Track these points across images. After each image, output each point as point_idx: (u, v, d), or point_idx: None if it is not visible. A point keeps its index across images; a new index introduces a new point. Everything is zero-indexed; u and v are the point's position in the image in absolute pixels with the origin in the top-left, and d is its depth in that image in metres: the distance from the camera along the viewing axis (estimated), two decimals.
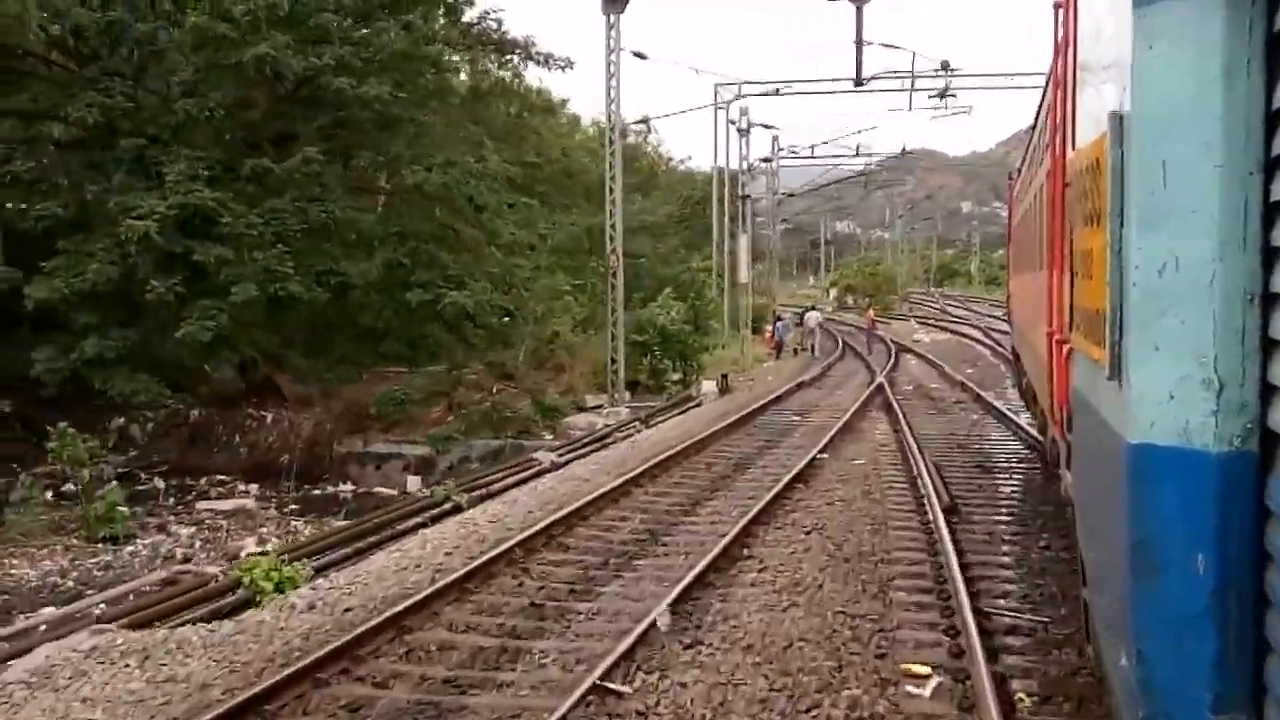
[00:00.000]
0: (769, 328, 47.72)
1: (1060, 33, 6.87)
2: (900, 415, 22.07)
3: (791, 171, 78.75)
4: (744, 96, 40.25)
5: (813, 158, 59.68)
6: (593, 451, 19.97)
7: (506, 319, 27.41)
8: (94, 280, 22.65)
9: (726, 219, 41.75)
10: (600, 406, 28.63)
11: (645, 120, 29.19)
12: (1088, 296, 4.43)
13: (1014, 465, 16.53)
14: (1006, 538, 11.81)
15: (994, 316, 59.85)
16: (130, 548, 20.33)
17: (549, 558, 11.47)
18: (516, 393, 27.07)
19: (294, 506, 25.13)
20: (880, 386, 28.01)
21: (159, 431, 30.20)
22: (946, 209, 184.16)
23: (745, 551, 11.38)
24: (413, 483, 26.20)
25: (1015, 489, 14.65)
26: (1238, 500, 3.09)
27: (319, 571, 12.35)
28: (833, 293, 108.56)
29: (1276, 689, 2.94)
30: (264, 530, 21.93)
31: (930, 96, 30.05)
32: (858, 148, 61.54)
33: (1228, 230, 3.09)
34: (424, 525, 14.26)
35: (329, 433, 27.74)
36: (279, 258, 23.38)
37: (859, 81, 28.73)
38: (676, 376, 32.36)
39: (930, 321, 68.00)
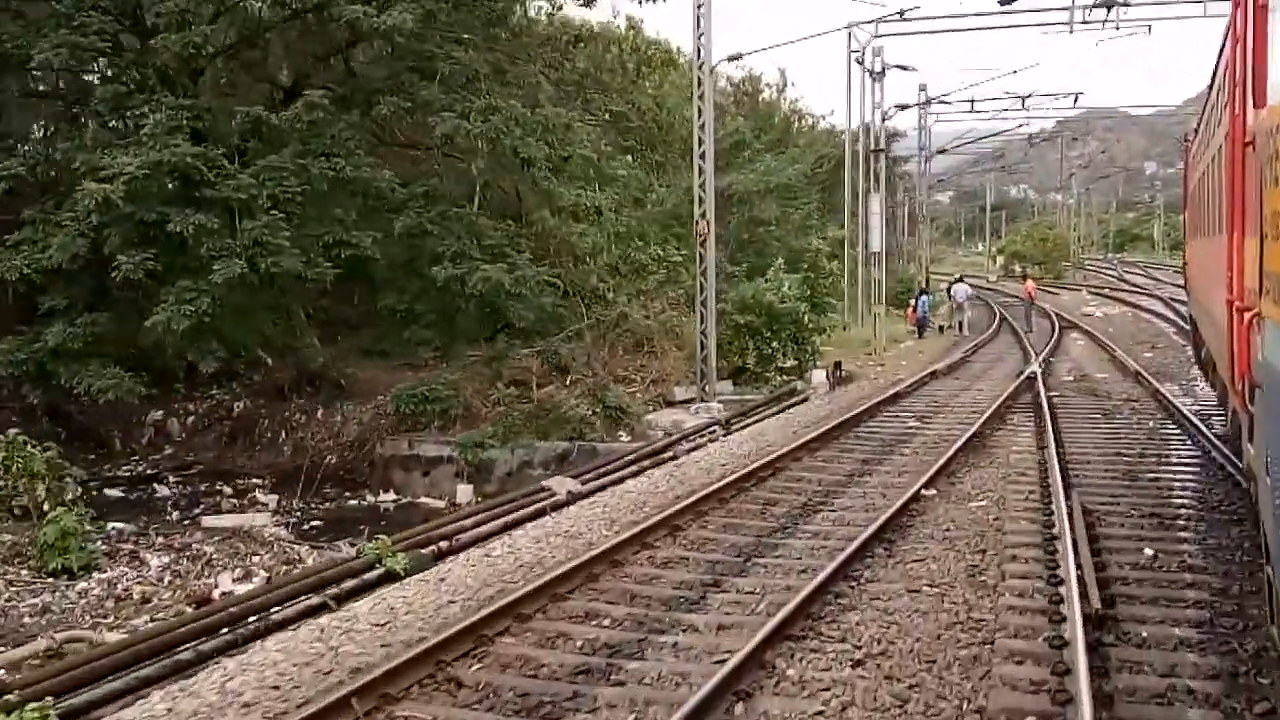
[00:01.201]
0: (913, 303, 42.31)
1: None
2: (1050, 421, 16.97)
3: (947, 127, 72.25)
4: (881, 36, 34.89)
5: (972, 110, 53.67)
6: (634, 474, 15.47)
7: (561, 299, 22.99)
8: (58, 256, 19.21)
9: (870, 180, 36.47)
10: (691, 401, 24.07)
11: (739, 56, 24.40)
12: (1279, 259, 3.91)
13: (1212, 514, 11.36)
14: (1199, 686, 6.89)
15: (1178, 286, 52.72)
16: (85, 583, 16.77)
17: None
18: (570, 388, 22.73)
19: (317, 522, 21.41)
20: (1032, 377, 22.73)
21: (199, 427, 26.99)
22: (1128, 170, 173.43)
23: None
24: (463, 492, 22.21)
25: (1217, 567, 9.58)
26: None
27: None
28: (999, 260, 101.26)
29: None
30: (257, 559, 18.17)
31: (1095, 6, 24.25)
32: (1024, 99, 55.27)
33: None
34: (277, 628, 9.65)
35: (376, 432, 23.93)
36: (271, 226, 19.49)
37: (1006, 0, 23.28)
38: (790, 362, 27.53)
39: (1105, 292, 60.96)
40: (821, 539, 10.77)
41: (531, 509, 13.11)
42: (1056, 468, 13.01)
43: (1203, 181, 14.22)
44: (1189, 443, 15.62)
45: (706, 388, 23.52)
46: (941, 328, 39.65)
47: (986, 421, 17.57)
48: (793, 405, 22.34)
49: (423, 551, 11.50)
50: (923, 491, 12.54)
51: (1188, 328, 29.96)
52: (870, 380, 26.25)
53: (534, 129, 21.75)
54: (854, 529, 10.94)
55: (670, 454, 17.25)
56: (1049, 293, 62.10)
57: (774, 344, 27.04)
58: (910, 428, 17.81)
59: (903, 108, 35.79)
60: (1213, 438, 14.95)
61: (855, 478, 13.88)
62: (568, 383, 23.93)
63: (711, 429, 19.82)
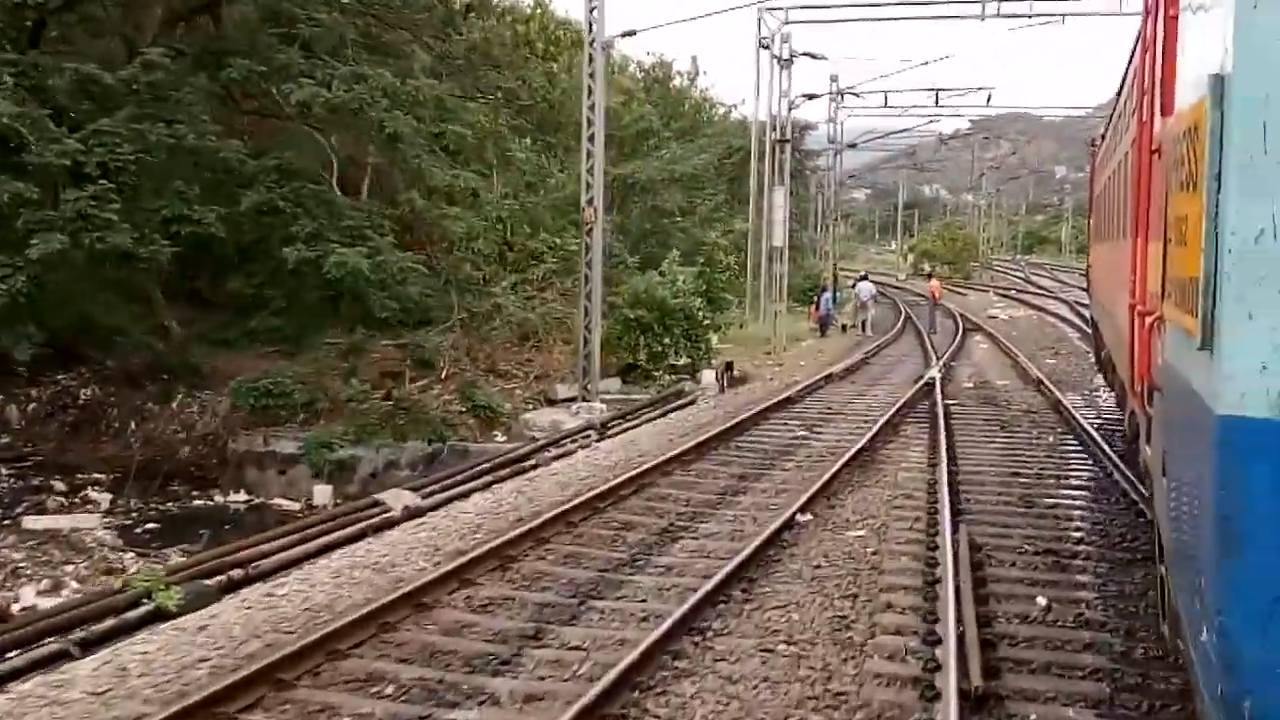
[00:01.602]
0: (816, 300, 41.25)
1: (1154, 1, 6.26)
2: (944, 434, 15.77)
3: (861, 123, 71.50)
4: (791, 23, 33.56)
5: (885, 105, 52.79)
6: (484, 487, 13.85)
7: (431, 288, 21.14)
8: None
9: (774, 172, 35.16)
10: (574, 399, 22.55)
11: (632, 33, 22.86)
12: (1180, 264, 4.17)
13: (1113, 551, 10.12)
14: None
15: (1082, 289, 52.66)
16: None
17: None
18: (440, 384, 21.04)
19: (154, 525, 19.49)
20: (931, 383, 21.61)
21: (40, 414, 24.74)
22: (1039, 173, 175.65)
23: None
24: (321, 493, 20.43)
25: (1118, 623, 8.30)
26: None
27: None
28: (909, 259, 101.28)
29: None
30: (72, 568, 16.27)
31: None
32: (937, 95, 54.58)
33: None
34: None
35: (232, 425, 21.98)
36: (100, 198, 17.41)
37: None
38: (683, 360, 26.13)
39: (1011, 293, 60.73)
40: (675, 575, 9.33)
41: (354, 529, 11.46)
42: (946, 491, 11.75)
43: (1108, 187, 14.38)
44: (1090, 462, 14.49)
45: (589, 386, 22.02)
46: (844, 326, 38.63)
47: (879, 432, 16.32)
48: (678, 408, 20.91)
49: (207, 583, 9.79)
50: (798, 516, 11.17)
51: (1090, 332, 29.32)
52: (764, 382, 24.97)
53: (403, 101, 19.91)
54: (713, 562, 9.52)
55: (532, 462, 15.69)
56: (956, 293, 61.71)
57: (666, 341, 25.62)
58: (797, 437, 16.47)
59: (811, 97, 34.50)
60: (1115, 457, 13.83)
61: (728, 496, 12.47)
62: (441, 378, 22.24)
63: (586, 433, 18.31)
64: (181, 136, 18.33)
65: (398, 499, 12.28)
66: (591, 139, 21.70)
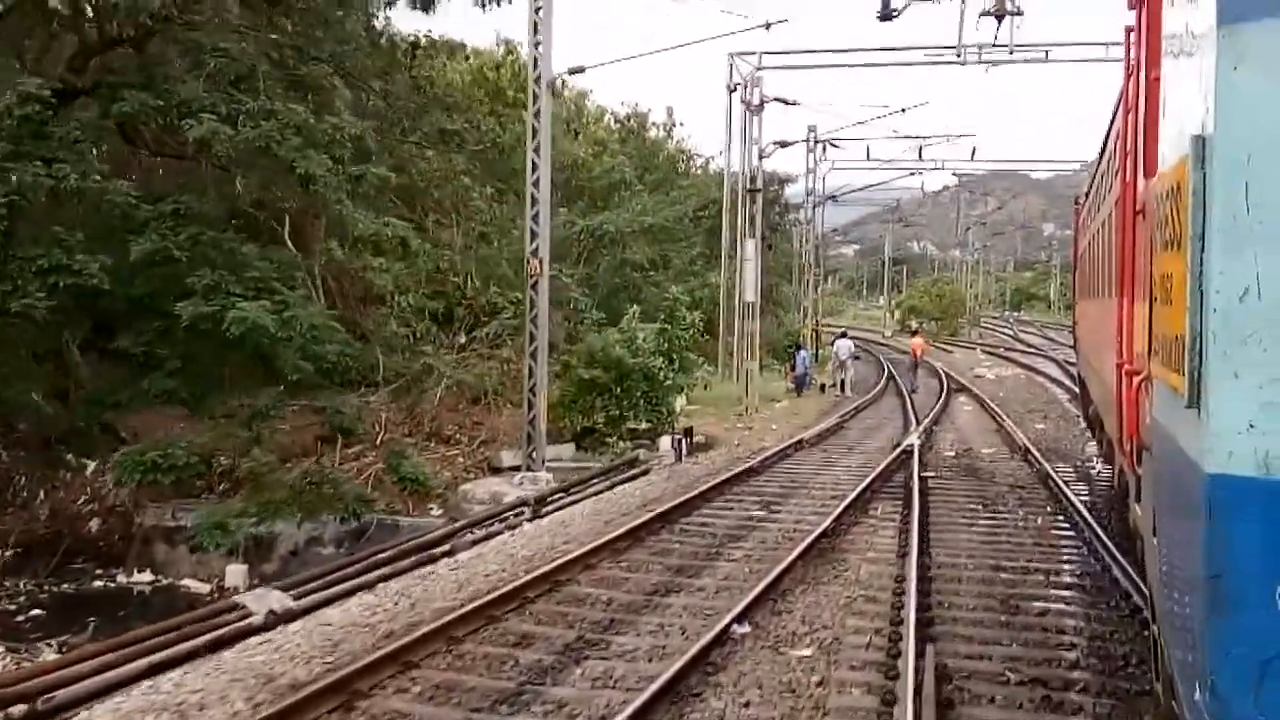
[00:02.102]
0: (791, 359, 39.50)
1: (1132, 55, 6.52)
2: (919, 514, 13.87)
3: (843, 176, 70.32)
4: (764, 69, 31.97)
5: (867, 157, 51.40)
6: (373, 583, 11.81)
7: (345, 348, 19.16)
8: None
9: (745, 222, 33.44)
10: (519, 468, 20.60)
11: (580, 69, 21.08)
12: (1166, 323, 4.23)
13: (1114, 680, 8.19)
14: None
15: (1072, 347, 51.05)
16: None
17: None
18: (361, 453, 19.11)
19: (39, 611, 17.47)
20: (909, 451, 19.75)
21: None
22: (1027, 229, 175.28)
23: None
24: (234, 574, 18.40)
25: None
26: None
27: None
28: (896, 314, 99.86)
29: None
30: None
31: (983, 15, 21.46)
32: (920, 149, 53.28)
33: None
34: None
35: (141, 497, 19.95)
36: None
37: (886, 15, 20.34)
38: (644, 424, 24.23)
39: (999, 351, 59.02)
40: (563, 718, 7.37)
41: (193, 643, 9.46)
42: (914, 596, 9.82)
43: (1092, 245, 14.35)
44: (1083, 551, 12.57)
45: (534, 454, 20.06)
46: (823, 386, 36.79)
47: (845, 511, 14.43)
48: (628, 479, 18.97)
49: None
50: (734, 628, 9.22)
51: (1079, 392, 27.61)
52: (729, 448, 23.07)
53: (319, 141, 18.07)
54: (616, 696, 7.59)
55: (445, 548, 13.68)
56: (942, 350, 60.05)
57: (624, 403, 23.71)
58: (751, 518, 14.53)
59: (783, 145, 32.79)
60: (1112, 547, 11.92)
61: (657, 597, 10.50)
62: (375, 444, 20.29)
63: (519, 510, 16.32)
64: (62, 177, 16.48)
65: (263, 601, 10.32)
66: (536, 184, 19.92)
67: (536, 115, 19.86)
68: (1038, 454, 19.73)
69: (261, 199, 19.46)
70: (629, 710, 7.11)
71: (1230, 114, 3.22)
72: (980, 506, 15.46)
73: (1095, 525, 13.23)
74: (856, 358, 51.06)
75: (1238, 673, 3.16)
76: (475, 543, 13.77)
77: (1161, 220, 4.39)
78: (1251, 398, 3.14)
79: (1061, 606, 10.27)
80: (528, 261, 20.04)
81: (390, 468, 18.66)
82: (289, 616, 10.21)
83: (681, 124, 68.53)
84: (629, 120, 51.44)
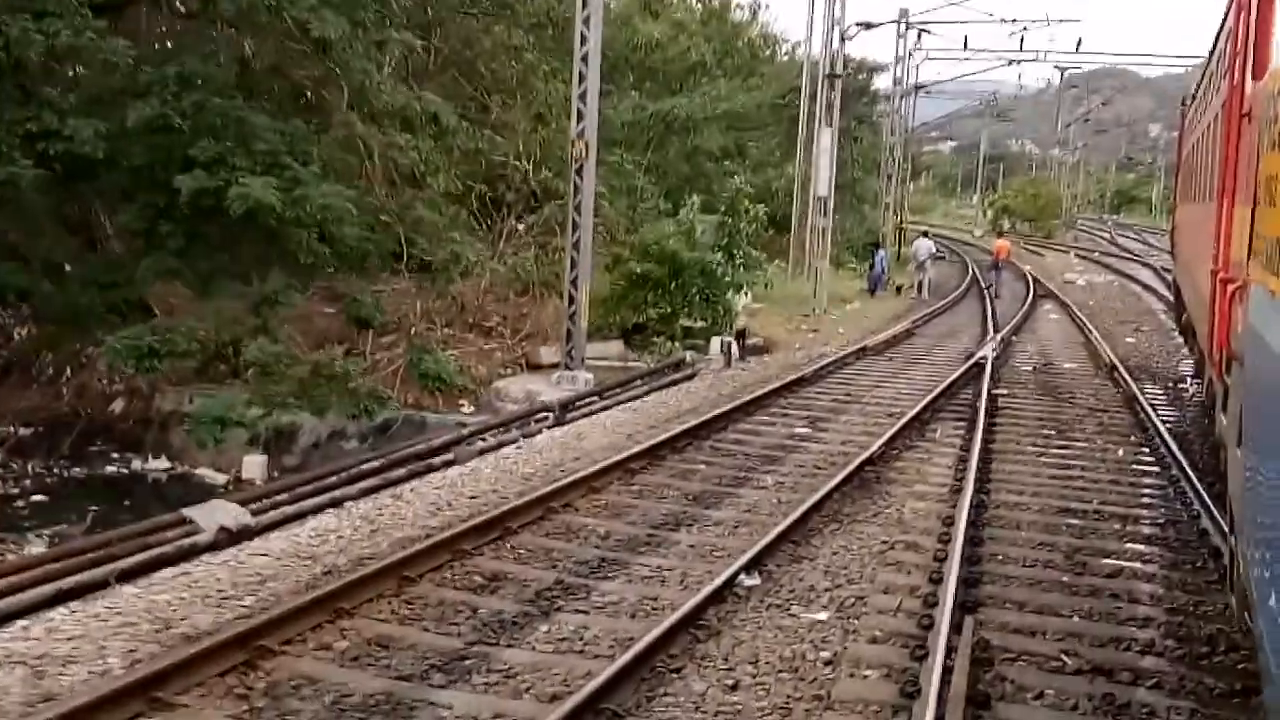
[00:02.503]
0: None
1: None
2: (980, 443, 12.25)
3: (940, 68, 67.28)
4: None
5: (965, 48, 48.40)
6: (342, 500, 10.55)
7: (368, 232, 17.67)
8: None
9: (822, 111, 31.22)
10: (557, 365, 19.29)
11: None
12: (1271, 224, 3.97)
13: (1195, 670, 6.64)
14: None
15: (1171, 253, 48.13)
16: None
17: None
18: (386, 345, 17.89)
19: (41, 496, 16.70)
20: (980, 365, 18.05)
21: None
22: (1132, 129, 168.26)
23: None
24: (252, 465, 17.46)
25: None
26: None
27: None
28: (989, 214, 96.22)
29: None
30: None
31: None
32: (1022, 39, 50.09)
33: None
34: None
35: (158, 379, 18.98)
36: None
37: None
38: (698, 323, 22.69)
39: (1094, 256, 56.04)
40: (507, 694, 6.05)
41: (106, 570, 8.26)
42: (961, 546, 8.30)
43: (1197, 148, 13.90)
44: (1169, 494, 10.89)
45: (573, 352, 18.68)
46: (899, 288, 34.82)
47: (900, 433, 12.90)
48: (670, 384, 17.55)
49: None
50: (742, 578, 7.81)
51: (1175, 300, 25.76)
52: (788, 352, 21.53)
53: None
54: (582, 665, 6.27)
55: (447, 457, 12.38)
56: (1033, 253, 57.31)
57: (678, 300, 22.17)
58: (793, 437, 13.04)
59: (868, 26, 30.21)
60: (1202, 492, 10.25)
61: (664, 532, 9.12)
62: (401, 336, 19.10)
63: (544, 415, 14.99)
64: (54, 34, 15.10)
65: (214, 515, 9.14)
66: (585, 59, 18.18)
67: None
68: (1125, 372, 17.87)
69: (277, 65, 17.97)
70: (584, 693, 5.76)
71: None
72: (1054, 433, 13.78)
73: (1185, 461, 11.53)
74: (940, 257, 48.87)
75: None
76: (483, 451, 12.47)
77: (1271, 118, 4.12)
78: None
79: (1138, 566, 8.68)
80: (572, 144, 18.40)
81: (411, 363, 17.44)
82: (243, 535, 9.01)
83: (767, 6, 65.49)
84: (710, 1, 48.77)
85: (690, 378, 18.13)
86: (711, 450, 12.12)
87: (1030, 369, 19.06)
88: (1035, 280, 37.34)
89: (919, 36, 51.26)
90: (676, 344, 21.38)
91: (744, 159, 41.06)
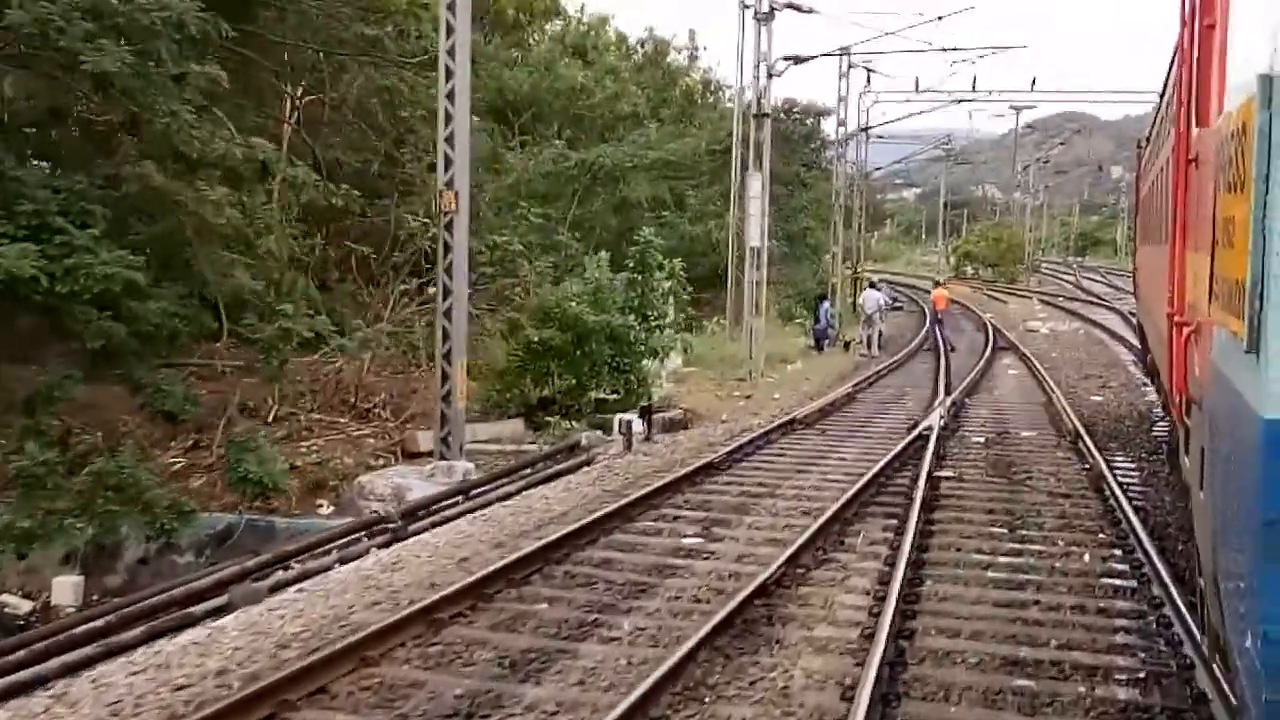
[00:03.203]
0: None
1: (1188, 3, 6.27)
2: (912, 548, 9.70)
3: (892, 110, 65.69)
4: None
5: (917, 91, 46.47)
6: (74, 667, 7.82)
7: (176, 306, 14.85)
8: None
9: (750, 153, 28.76)
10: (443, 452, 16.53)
11: None
12: (1228, 266, 4.11)
13: None
14: None
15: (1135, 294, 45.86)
16: None
17: None
18: (253, 430, 15.14)
19: None
20: (925, 436, 15.55)
21: None
22: (1093, 173, 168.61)
23: None
24: (64, 587, 14.51)
25: None
26: None
27: None
28: (951, 260, 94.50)
29: None
30: None
31: None
32: (974, 81, 48.43)
33: None
34: None
35: None
36: None
37: None
38: (611, 395, 20.07)
39: (1058, 300, 53.94)
40: None
41: None
42: None
43: (1152, 191, 14.35)
44: (1150, 627, 8.26)
45: (450, 438, 15.98)
46: (847, 344, 32.30)
47: (813, 540, 10.28)
48: (556, 475, 14.87)
49: None
50: None
51: (1140, 340, 23.87)
52: (711, 426, 18.91)
53: (120, 26, 13.53)
54: None
55: (209, 606, 9.59)
56: (995, 300, 55.28)
57: (584, 369, 19.54)
58: (680, 550, 10.36)
59: (796, 60, 27.57)
60: (1194, 628, 7.62)
61: None
62: (266, 421, 16.36)
63: (379, 528, 12.22)
64: None
65: None
66: (451, 96, 15.64)
67: (451, 7, 15.51)
68: (1091, 442, 15.33)
69: (59, 108, 15.26)
70: None
71: None
72: (1006, 530, 11.16)
73: (1167, 575, 8.96)
74: (897, 307, 46.57)
75: None
76: (276, 588, 9.70)
77: (1225, 162, 4.17)
78: None
79: None
80: (439, 194, 15.80)
81: (230, 465, 14.68)
82: None
83: (705, 48, 63.36)
84: (642, 46, 46.72)
85: (585, 464, 15.45)
86: (564, 579, 9.41)
87: (982, 440, 16.46)
88: (996, 330, 35.02)
89: (868, 79, 49.41)
90: (581, 421, 18.71)
91: (682, 210, 38.75)
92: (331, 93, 24.41)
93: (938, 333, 31.70)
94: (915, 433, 16.17)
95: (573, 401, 19.55)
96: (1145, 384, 22.10)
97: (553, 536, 10.27)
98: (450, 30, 15.59)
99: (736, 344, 29.38)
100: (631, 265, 20.55)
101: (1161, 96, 13.09)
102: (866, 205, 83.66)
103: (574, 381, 19.40)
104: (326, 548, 11.61)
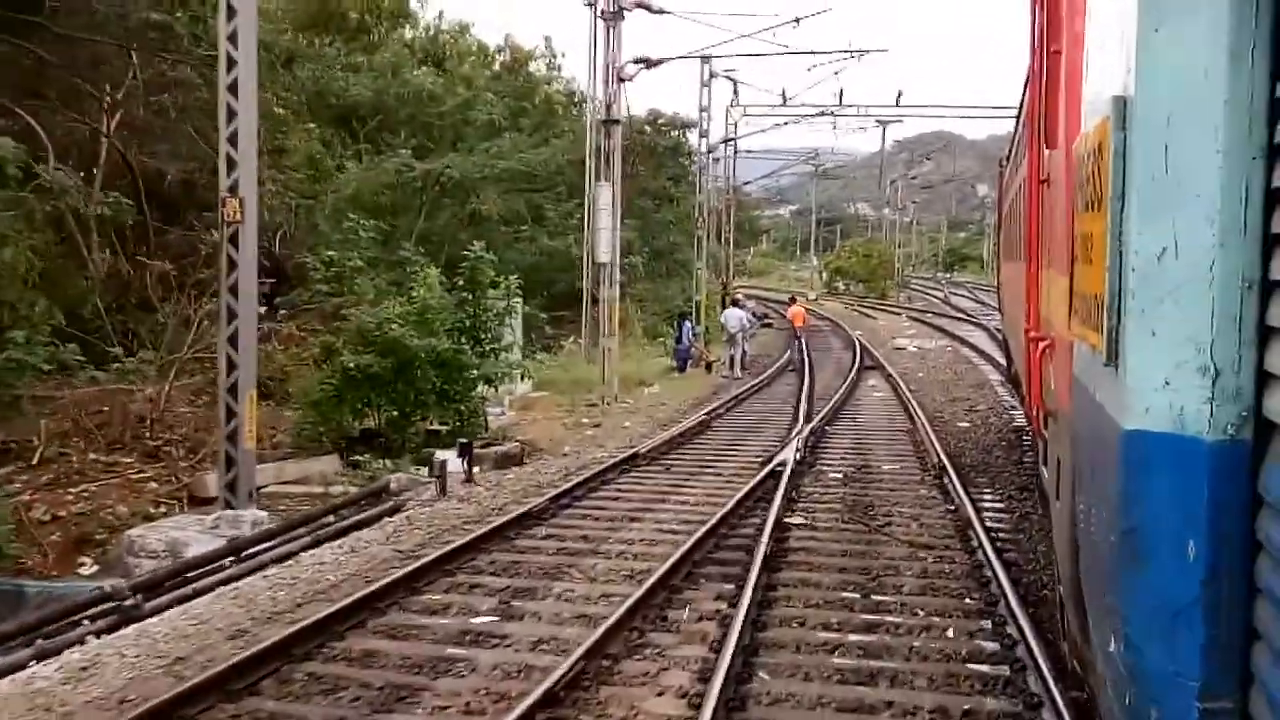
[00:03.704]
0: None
1: (1037, 30, 6.48)
2: (745, 624, 8.05)
3: (763, 124, 65.19)
4: None
5: (784, 103, 45.45)
6: None
7: None
8: None
9: (600, 163, 27.05)
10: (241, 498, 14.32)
11: None
12: (1086, 281, 4.23)
13: None
14: None
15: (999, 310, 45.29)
16: None
17: None
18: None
19: None
20: (779, 472, 14.00)
21: None
22: (963, 191, 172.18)
23: None
24: None
25: None
26: (1230, 489, 3.08)
27: None
28: (823, 276, 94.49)
29: (1262, 675, 2.97)
30: None
31: None
32: (840, 95, 47.53)
33: (1229, 217, 3.09)
34: None
35: None
36: None
37: None
38: (440, 426, 18.08)
39: (927, 316, 53.48)
40: None
41: None
42: None
43: (1011, 209, 14.65)
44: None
45: (237, 483, 13.82)
46: (709, 365, 30.76)
47: (630, 616, 8.52)
48: (356, 526, 12.85)
49: None
50: None
51: (1005, 353, 23.84)
52: (544, 461, 17.14)
53: None
54: None
55: None
56: (865, 316, 54.65)
57: (408, 399, 17.52)
58: (467, 634, 8.46)
59: (647, 63, 25.72)
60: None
61: None
62: (31, 465, 14.00)
63: (104, 608, 10.06)
64: None
65: None
66: (234, 88, 13.54)
67: None
68: (956, 478, 13.91)
69: None
70: None
71: (1150, 74, 3.21)
72: (859, 596, 9.54)
73: (1044, 660, 7.40)
74: (767, 324, 45.33)
75: (1151, 624, 3.18)
76: None
77: (1083, 180, 4.33)
78: (1168, 356, 3.15)
79: None
80: (222, 202, 13.69)
81: None
82: None
83: (564, 55, 61.55)
84: (497, 53, 44.75)
85: (390, 513, 13.44)
86: (305, 684, 7.45)
87: (840, 476, 14.92)
88: (863, 348, 33.90)
89: (735, 90, 48.26)
90: (405, 457, 16.66)
91: (541, 224, 36.90)
92: (151, 96, 22.20)
93: (800, 352, 30.40)
94: (769, 468, 14.59)
95: (399, 435, 17.50)
96: (1014, 406, 20.99)
97: (307, 621, 8.30)
98: (232, 12, 13.49)
99: (594, 365, 27.63)
100: (461, 283, 18.55)
101: (1017, 119, 13.33)
102: (738, 220, 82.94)
103: (396, 413, 17.36)
104: (30, 636, 9.41)
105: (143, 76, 21.30)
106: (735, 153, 52.22)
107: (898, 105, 51.31)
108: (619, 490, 13.99)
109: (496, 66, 46.07)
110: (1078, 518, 4.55)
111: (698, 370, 30.56)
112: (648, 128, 45.61)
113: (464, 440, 14.73)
